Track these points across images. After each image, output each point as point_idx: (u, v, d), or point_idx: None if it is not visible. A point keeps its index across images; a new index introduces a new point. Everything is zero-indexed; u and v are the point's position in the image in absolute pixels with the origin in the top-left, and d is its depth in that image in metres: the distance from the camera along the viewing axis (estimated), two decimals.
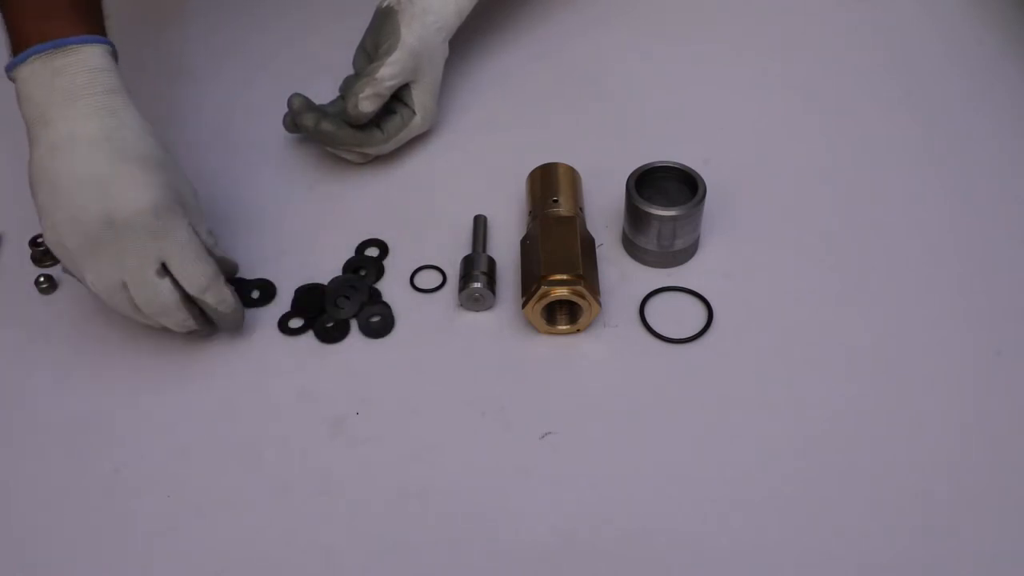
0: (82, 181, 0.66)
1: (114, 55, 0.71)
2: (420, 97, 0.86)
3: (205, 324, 0.73)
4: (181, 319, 0.70)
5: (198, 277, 0.69)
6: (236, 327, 0.74)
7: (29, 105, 0.68)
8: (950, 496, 0.65)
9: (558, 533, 0.64)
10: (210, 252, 0.71)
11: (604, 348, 0.74)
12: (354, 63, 0.88)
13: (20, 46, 0.68)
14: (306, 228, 0.84)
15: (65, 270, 0.70)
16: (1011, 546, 0.62)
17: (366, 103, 0.82)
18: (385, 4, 0.86)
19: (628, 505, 0.65)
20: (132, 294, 0.68)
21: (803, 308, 0.76)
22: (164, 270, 0.68)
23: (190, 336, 0.74)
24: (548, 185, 0.81)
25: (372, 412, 0.71)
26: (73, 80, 0.67)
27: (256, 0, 1.08)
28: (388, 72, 0.82)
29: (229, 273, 0.75)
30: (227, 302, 0.71)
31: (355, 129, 0.85)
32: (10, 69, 0.69)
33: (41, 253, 0.82)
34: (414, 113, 0.87)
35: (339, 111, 0.85)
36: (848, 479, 0.66)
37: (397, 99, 0.86)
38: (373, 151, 0.86)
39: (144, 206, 0.66)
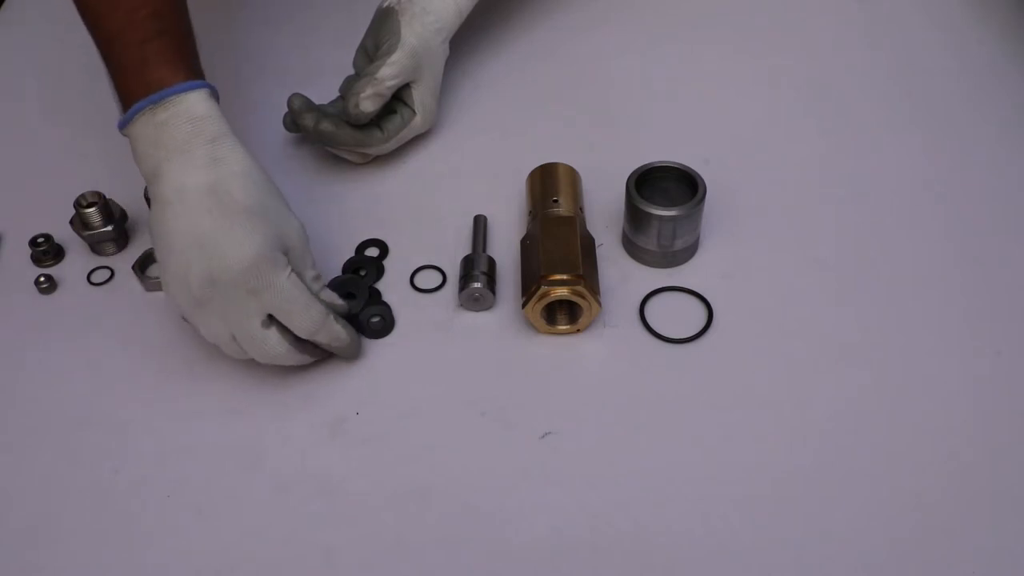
0: (186, 239, 0.66)
1: (215, 96, 0.70)
2: (420, 97, 0.86)
3: (325, 354, 0.73)
4: (297, 360, 0.70)
5: (305, 324, 0.68)
6: (353, 356, 0.73)
7: (142, 162, 0.69)
8: (950, 496, 0.65)
9: (558, 533, 0.64)
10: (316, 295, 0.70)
11: (604, 348, 0.74)
12: (354, 63, 0.88)
13: (127, 102, 0.69)
14: (306, 228, 0.84)
15: (183, 318, 0.70)
16: (1011, 546, 0.62)
17: (367, 103, 0.82)
18: (385, 4, 0.87)
19: (628, 505, 0.65)
20: (243, 346, 0.68)
21: (803, 308, 0.76)
22: (271, 320, 0.68)
23: (194, 338, 0.74)
24: (548, 185, 0.81)
25: (372, 412, 0.71)
26: (176, 133, 0.67)
27: None
28: (389, 72, 0.82)
29: (338, 312, 0.73)
30: (340, 339, 0.71)
31: (355, 129, 0.85)
32: (122, 127, 0.70)
33: (41, 253, 0.82)
34: (414, 113, 0.87)
35: (339, 111, 0.85)
36: (848, 479, 0.66)
37: (397, 99, 0.86)
38: (373, 151, 0.86)
39: (243, 264, 0.65)
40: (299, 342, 0.70)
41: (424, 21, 0.85)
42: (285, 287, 0.67)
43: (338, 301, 0.73)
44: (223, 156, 0.68)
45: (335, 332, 0.70)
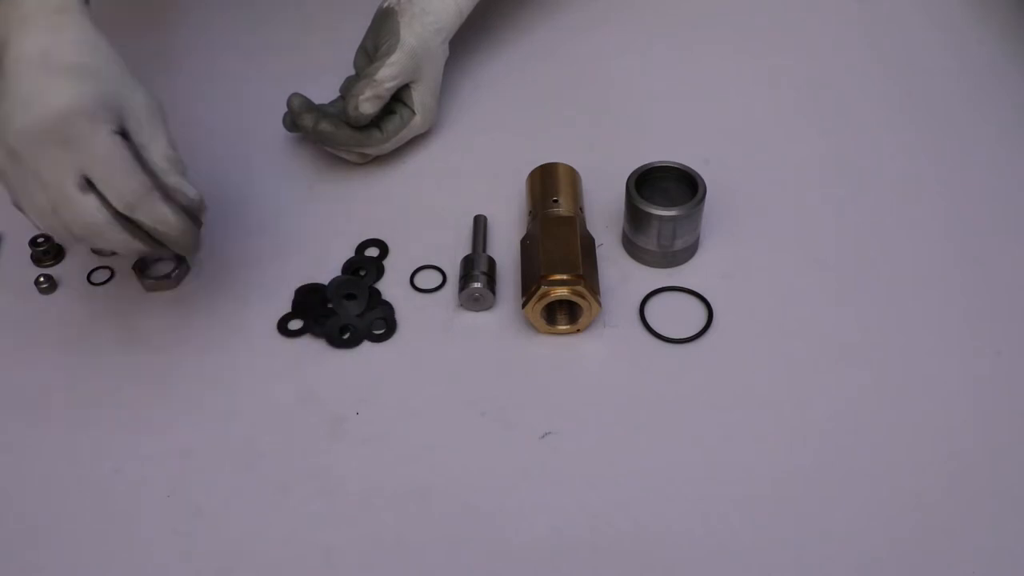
0: (13, 100, 0.63)
1: None
2: (420, 97, 0.86)
3: (156, 244, 0.67)
4: (121, 240, 0.65)
5: (123, 192, 0.63)
6: (188, 249, 0.68)
7: None
8: (950, 496, 0.65)
9: (558, 533, 0.64)
10: (159, 177, 0.66)
11: (604, 348, 0.74)
12: (355, 63, 0.88)
13: None
14: (306, 228, 0.84)
15: (14, 204, 0.67)
16: (1012, 546, 0.62)
17: (366, 105, 0.82)
18: (385, 4, 0.87)
19: (628, 505, 0.65)
20: (60, 215, 0.64)
21: (803, 308, 0.76)
22: (90, 186, 0.63)
23: (190, 334, 0.74)
24: (548, 185, 0.81)
25: (372, 412, 0.71)
26: (23, 6, 0.65)
27: None
28: (388, 73, 0.82)
29: (193, 209, 0.68)
30: (166, 222, 0.65)
31: (354, 129, 0.85)
32: None
33: (41, 253, 0.82)
34: (414, 113, 0.87)
35: (339, 111, 0.85)
36: (848, 479, 0.66)
37: (397, 99, 0.86)
38: (372, 151, 0.86)
39: (56, 111, 0.62)
40: (123, 219, 0.65)
41: (424, 21, 0.85)
42: (103, 145, 0.63)
43: (189, 191, 0.67)
44: (64, 24, 0.65)
45: (159, 212, 0.65)
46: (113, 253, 0.68)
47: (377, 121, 0.86)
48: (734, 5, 1.07)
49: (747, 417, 0.69)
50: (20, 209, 0.67)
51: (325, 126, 0.83)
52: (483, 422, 0.70)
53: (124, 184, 0.64)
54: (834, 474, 0.66)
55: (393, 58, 0.83)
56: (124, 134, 0.65)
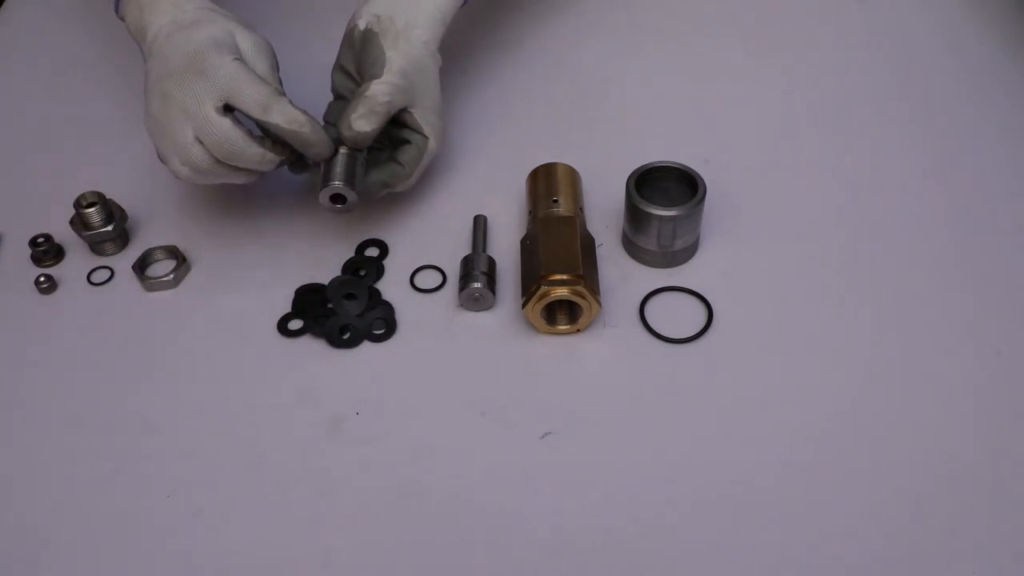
0: (162, 59, 0.75)
1: None
2: (425, 118, 0.80)
3: (292, 155, 0.76)
4: (257, 155, 0.73)
5: (256, 98, 0.72)
6: (321, 150, 0.75)
7: (136, 32, 0.80)
8: (950, 496, 0.65)
9: (558, 533, 0.64)
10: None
11: (604, 348, 0.74)
12: (333, 87, 0.83)
13: None
14: (306, 228, 0.84)
15: (160, 157, 0.77)
16: (1012, 546, 0.62)
17: (361, 122, 0.75)
18: (363, 26, 0.79)
19: (628, 505, 0.65)
20: (204, 141, 0.73)
21: (803, 308, 0.76)
22: (226, 110, 0.73)
23: (190, 334, 0.74)
24: (548, 185, 0.81)
25: (372, 412, 0.71)
26: None
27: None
28: (380, 90, 0.76)
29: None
30: (298, 120, 0.73)
31: (373, 165, 0.80)
32: (117, 9, 0.82)
33: (41, 253, 0.82)
34: (426, 137, 0.80)
35: (334, 136, 0.78)
36: (848, 479, 0.66)
37: (405, 126, 0.80)
38: (400, 188, 0.82)
39: (186, 54, 0.74)
40: (258, 137, 0.74)
41: (409, 38, 0.78)
42: (230, 67, 0.73)
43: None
44: (181, 2, 0.78)
45: (290, 112, 0.73)
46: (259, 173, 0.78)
47: (394, 156, 0.81)
48: (735, 5, 1.07)
49: (747, 417, 0.69)
50: (164, 160, 0.76)
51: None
52: (483, 422, 0.70)
53: (254, 92, 0.73)
54: (834, 474, 0.66)
55: (383, 79, 0.76)
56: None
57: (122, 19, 0.81)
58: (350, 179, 0.75)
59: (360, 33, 0.80)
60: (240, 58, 0.75)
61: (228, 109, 0.73)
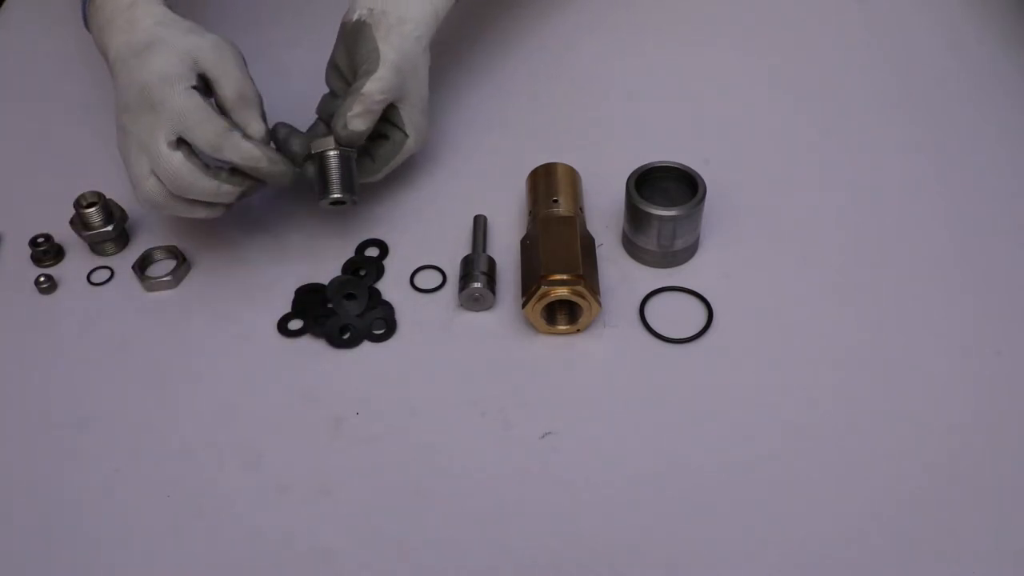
0: (118, 90, 0.74)
1: None
2: (409, 116, 0.80)
3: (251, 182, 0.74)
4: (211, 188, 0.72)
5: (206, 135, 0.71)
6: (282, 180, 0.74)
7: (101, 50, 0.78)
8: (950, 496, 0.65)
9: (558, 533, 0.64)
10: (230, 113, 0.74)
11: (604, 348, 0.74)
12: (328, 82, 0.82)
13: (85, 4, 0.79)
14: (306, 228, 0.84)
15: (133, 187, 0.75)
16: (1012, 546, 0.62)
17: (357, 121, 0.75)
18: (355, 17, 0.78)
19: (628, 505, 0.65)
20: (159, 175, 0.72)
21: (803, 308, 0.76)
22: (179, 143, 0.71)
23: (190, 334, 0.74)
24: (548, 185, 0.81)
25: (372, 412, 0.71)
26: (106, 10, 0.76)
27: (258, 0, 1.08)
28: (376, 87, 0.75)
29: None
30: (251, 155, 0.72)
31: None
32: (86, 25, 0.79)
33: (41, 253, 0.82)
34: (406, 135, 0.80)
35: (324, 134, 0.79)
36: (848, 479, 0.66)
37: (387, 121, 0.80)
38: (365, 180, 0.82)
39: (137, 87, 0.72)
40: (211, 168, 0.72)
41: (402, 32, 0.77)
42: (180, 101, 0.71)
43: (252, 126, 0.75)
44: (136, 17, 0.75)
45: (243, 149, 0.72)
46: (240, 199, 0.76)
47: (367, 149, 0.81)
48: (734, 5, 1.07)
49: (747, 417, 0.69)
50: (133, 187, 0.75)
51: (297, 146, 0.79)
52: (483, 422, 0.70)
53: (204, 129, 0.71)
54: (834, 474, 0.66)
55: (379, 74, 0.76)
56: (206, 86, 0.74)
57: (91, 33, 0.80)
58: (347, 182, 0.76)
59: (352, 25, 0.79)
60: (194, 85, 0.72)
61: (183, 142, 0.72)
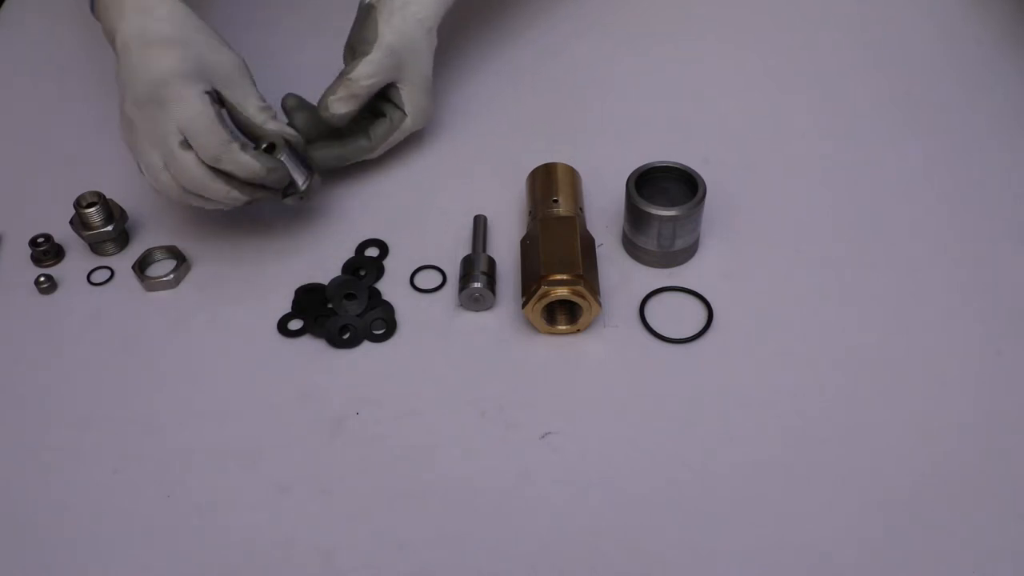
0: (124, 76, 0.74)
1: None
2: (410, 95, 0.83)
3: (258, 190, 0.75)
4: (222, 191, 0.73)
5: (207, 148, 0.71)
6: (281, 186, 0.75)
7: (106, 32, 0.77)
8: (950, 496, 0.65)
9: (558, 533, 0.64)
10: (259, 127, 0.76)
11: (604, 348, 0.74)
12: (344, 61, 0.85)
13: None
14: (306, 228, 0.84)
15: (140, 170, 0.76)
16: (1011, 546, 0.62)
17: (338, 104, 0.79)
18: (367, 1, 0.83)
19: (628, 505, 0.65)
20: (169, 169, 0.72)
21: (803, 308, 0.76)
22: (188, 144, 0.72)
23: (190, 334, 0.74)
24: (548, 185, 0.81)
25: (372, 412, 0.71)
26: None
27: None
28: (364, 71, 0.79)
29: (297, 145, 0.78)
30: (250, 169, 0.72)
31: (337, 139, 0.83)
32: (92, 10, 0.79)
33: (41, 253, 0.82)
34: (405, 115, 0.84)
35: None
36: (848, 479, 0.66)
37: (386, 100, 0.84)
38: (360, 159, 0.84)
39: (154, 78, 0.72)
40: (218, 172, 0.72)
41: (404, 15, 0.81)
42: (192, 105, 0.71)
43: (288, 131, 0.77)
44: (152, 5, 0.74)
45: (241, 161, 0.72)
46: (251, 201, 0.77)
47: (365, 126, 0.84)
48: (734, 5, 1.07)
49: (747, 417, 0.69)
50: (141, 173, 0.75)
51: (300, 123, 0.81)
52: (483, 422, 0.70)
53: (207, 140, 0.71)
54: (834, 473, 0.66)
55: (370, 57, 0.79)
56: (218, 94, 0.75)
57: (98, 19, 0.79)
58: (296, 178, 0.77)
59: (363, 7, 0.83)
60: (208, 90, 0.73)
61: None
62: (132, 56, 0.73)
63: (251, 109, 0.77)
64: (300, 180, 0.77)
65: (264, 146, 0.76)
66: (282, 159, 0.75)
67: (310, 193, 0.78)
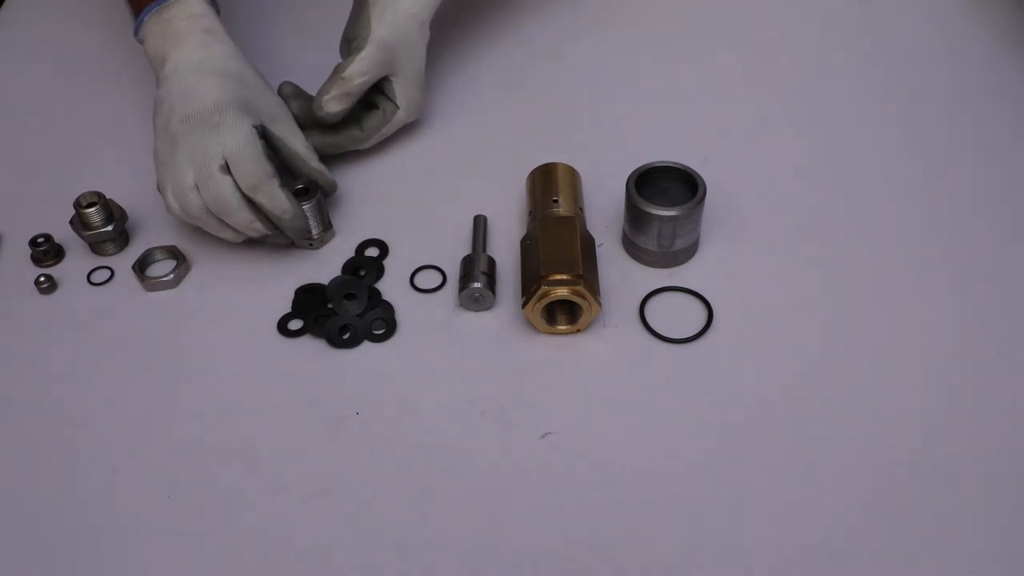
0: (174, 96, 0.77)
1: (213, 3, 0.83)
2: (402, 89, 0.85)
3: (275, 230, 0.78)
4: (246, 219, 0.75)
5: (249, 176, 0.74)
6: (299, 235, 0.78)
7: (153, 56, 0.81)
8: (950, 496, 0.65)
9: (558, 533, 0.64)
10: (304, 162, 0.81)
11: (604, 348, 0.74)
12: (340, 53, 0.86)
13: (138, 9, 0.82)
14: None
15: (158, 187, 0.78)
16: (1011, 546, 0.62)
17: (332, 103, 0.82)
18: None
19: (628, 505, 0.65)
20: (201, 191, 0.74)
21: (803, 308, 0.76)
22: (227, 169, 0.74)
23: (190, 334, 0.74)
24: (548, 185, 0.81)
25: (372, 412, 0.71)
26: (177, 26, 0.80)
27: None
28: (356, 69, 0.81)
29: (327, 189, 0.82)
30: (282, 206, 0.75)
31: (328, 130, 0.85)
32: (137, 32, 0.82)
33: (41, 253, 0.82)
34: (397, 107, 0.86)
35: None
36: (848, 479, 0.66)
37: (379, 92, 0.86)
38: (352, 148, 0.87)
39: (212, 100, 0.75)
40: (249, 203, 0.75)
41: (396, 9, 0.83)
42: (243, 134, 0.75)
43: (327, 176, 0.82)
44: (212, 43, 0.80)
45: (277, 197, 0.75)
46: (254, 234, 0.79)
47: (357, 118, 0.85)
48: (733, 5, 1.07)
49: (747, 417, 0.69)
50: (161, 191, 0.77)
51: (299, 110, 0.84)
52: (483, 422, 0.70)
53: (252, 169, 0.74)
54: (833, 474, 0.66)
55: (363, 54, 0.81)
56: (263, 131, 0.78)
57: (140, 42, 0.82)
58: (313, 228, 0.81)
59: (357, 2, 0.84)
60: (256, 124, 0.77)
61: (229, 169, 0.75)
62: (189, 79, 0.77)
63: (298, 144, 0.81)
64: (315, 230, 0.80)
65: (298, 187, 0.79)
66: (308, 207, 0.79)
67: (320, 244, 0.81)
